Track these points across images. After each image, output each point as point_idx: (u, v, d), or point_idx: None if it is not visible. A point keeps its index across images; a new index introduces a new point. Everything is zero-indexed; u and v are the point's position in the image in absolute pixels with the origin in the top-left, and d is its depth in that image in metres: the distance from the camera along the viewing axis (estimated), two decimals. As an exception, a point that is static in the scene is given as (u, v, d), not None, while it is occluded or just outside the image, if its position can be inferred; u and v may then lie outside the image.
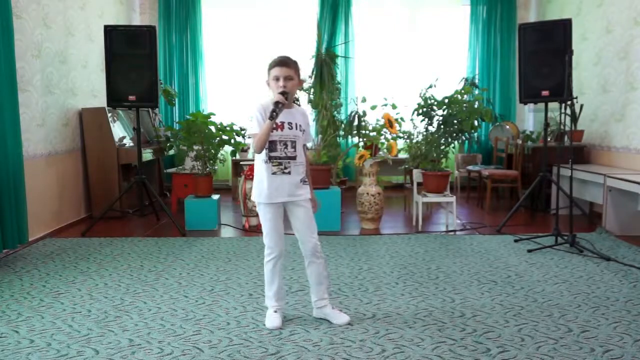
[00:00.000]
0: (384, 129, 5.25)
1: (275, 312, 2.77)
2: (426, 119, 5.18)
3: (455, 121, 5.03)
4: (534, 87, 4.85)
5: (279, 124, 2.64)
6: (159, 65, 6.69)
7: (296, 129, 2.69)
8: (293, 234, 2.81)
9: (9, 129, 4.00)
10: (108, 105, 5.09)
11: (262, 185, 2.68)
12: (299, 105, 3.05)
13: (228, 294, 3.26)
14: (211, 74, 7.67)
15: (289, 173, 2.67)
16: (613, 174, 4.72)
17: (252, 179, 5.14)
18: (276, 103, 2.58)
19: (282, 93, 2.60)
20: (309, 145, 2.85)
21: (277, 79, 2.64)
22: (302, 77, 2.77)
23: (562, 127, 4.41)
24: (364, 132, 5.40)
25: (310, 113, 5.13)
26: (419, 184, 5.20)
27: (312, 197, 2.80)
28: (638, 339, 2.55)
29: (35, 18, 4.74)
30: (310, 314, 2.90)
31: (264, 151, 2.65)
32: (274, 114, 2.56)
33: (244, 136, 5.80)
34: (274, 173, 2.65)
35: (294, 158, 2.67)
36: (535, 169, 5.83)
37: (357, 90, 7.28)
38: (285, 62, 2.65)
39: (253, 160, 6.13)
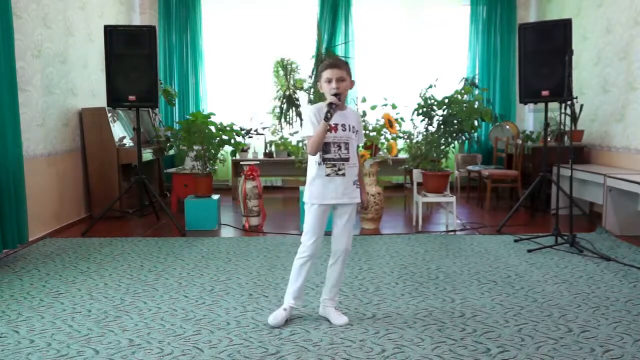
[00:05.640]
0: (384, 129, 5.25)
1: (285, 310, 2.78)
2: (426, 119, 5.18)
3: (455, 121, 5.03)
4: (534, 87, 4.85)
5: (333, 125, 2.65)
6: (159, 65, 6.69)
7: (349, 130, 2.71)
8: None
9: (9, 129, 3.99)
10: (108, 105, 5.09)
11: (315, 186, 2.70)
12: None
13: (228, 294, 3.26)
14: (211, 74, 7.67)
15: (343, 175, 2.68)
16: (613, 174, 4.72)
17: (252, 179, 5.20)
18: (329, 104, 2.60)
19: (335, 95, 2.62)
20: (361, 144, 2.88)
21: (329, 81, 2.66)
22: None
23: (562, 127, 4.41)
24: (364, 132, 5.40)
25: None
26: (419, 184, 5.20)
27: (363, 196, 2.82)
28: (638, 339, 2.55)
29: (35, 18, 4.74)
30: (310, 314, 2.90)
31: (318, 152, 2.67)
32: (329, 115, 2.58)
33: (244, 136, 5.79)
34: (328, 175, 2.67)
35: (347, 160, 2.69)
36: (535, 169, 5.83)
37: (357, 90, 7.27)
38: (336, 64, 2.68)
39: (252, 160, 6.17)
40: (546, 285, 3.38)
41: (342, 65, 2.70)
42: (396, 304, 3.06)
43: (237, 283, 3.46)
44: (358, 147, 2.82)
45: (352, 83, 2.73)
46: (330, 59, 2.74)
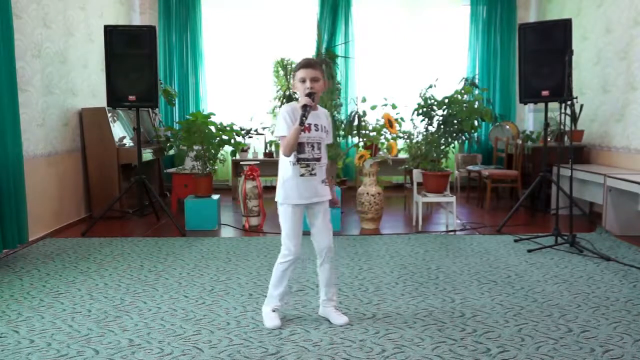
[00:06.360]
0: (384, 129, 5.25)
1: (274, 311, 2.78)
2: (426, 119, 5.18)
3: (455, 121, 5.03)
4: (534, 87, 4.85)
5: (307, 126, 2.64)
6: (159, 65, 6.69)
7: (322, 130, 2.71)
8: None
9: (9, 129, 3.99)
10: (108, 105, 5.09)
11: (289, 187, 2.69)
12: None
13: (228, 294, 3.26)
14: (211, 74, 7.67)
15: (315, 174, 2.69)
16: (613, 174, 4.72)
17: (252, 179, 5.20)
18: (304, 106, 2.59)
19: (309, 94, 2.61)
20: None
21: (303, 80, 2.64)
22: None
23: (562, 127, 4.41)
24: (364, 132, 5.40)
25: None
26: (419, 184, 5.20)
27: (333, 194, 2.83)
28: (638, 339, 2.55)
29: (35, 18, 4.74)
30: (310, 314, 2.90)
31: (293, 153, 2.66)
32: (304, 118, 2.57)
33: (244, 136, 5.79)
34: (302, 175, 2.67)
35: (319, 159, 2.70)
36: (535, 169, 5.83)
37: (357, 90, 7.28)
38: (310, 64, 2.67)
39: (252, 160, 6.16)
40: (546, 285, 3.38)
41: (316, 65, 2.68)
42: (396, 304, 3.06)
43: (237, 283, 3.46)
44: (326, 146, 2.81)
45: (325, 83, 2.72)
46: (305, 59, 2.71)
